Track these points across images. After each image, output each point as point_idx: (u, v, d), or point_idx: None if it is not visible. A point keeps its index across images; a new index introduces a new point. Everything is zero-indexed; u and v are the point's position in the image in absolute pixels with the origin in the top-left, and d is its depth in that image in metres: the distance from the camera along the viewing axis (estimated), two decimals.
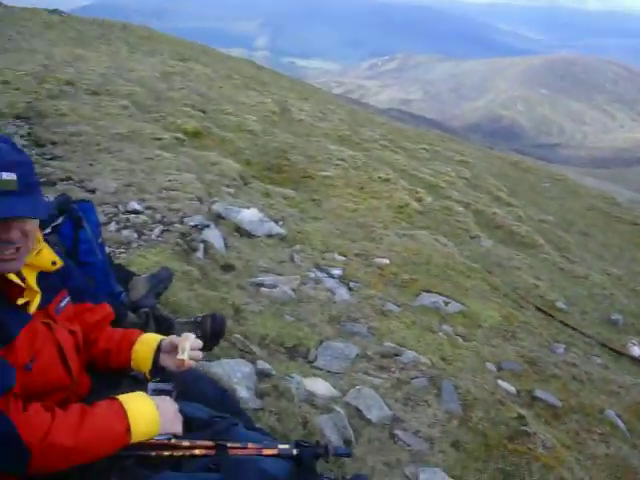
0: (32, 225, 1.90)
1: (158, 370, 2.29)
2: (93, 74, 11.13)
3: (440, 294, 5.59)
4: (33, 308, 2.04)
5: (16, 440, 1.75)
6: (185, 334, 2.28)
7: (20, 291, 1.97)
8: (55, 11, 18.84)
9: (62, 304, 2.20)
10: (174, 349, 2.23)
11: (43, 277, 2.09)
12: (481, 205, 9.98)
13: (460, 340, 4.79)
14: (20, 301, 1.98)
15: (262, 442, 2.19)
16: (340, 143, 10.63)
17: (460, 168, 13.00)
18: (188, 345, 2.22)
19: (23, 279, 2.00)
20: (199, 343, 2.27)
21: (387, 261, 6.02)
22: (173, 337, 2.29)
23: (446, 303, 5.45)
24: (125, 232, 4.70)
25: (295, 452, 2.14)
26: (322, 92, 20.41)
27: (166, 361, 2.26)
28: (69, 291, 2.28)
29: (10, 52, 11.75)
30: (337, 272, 5.41)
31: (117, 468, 1.98)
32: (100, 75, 11.18)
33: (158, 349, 2.29)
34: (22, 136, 7.04)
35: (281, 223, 6.17)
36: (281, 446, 2.16)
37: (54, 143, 6.89)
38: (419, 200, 8.57)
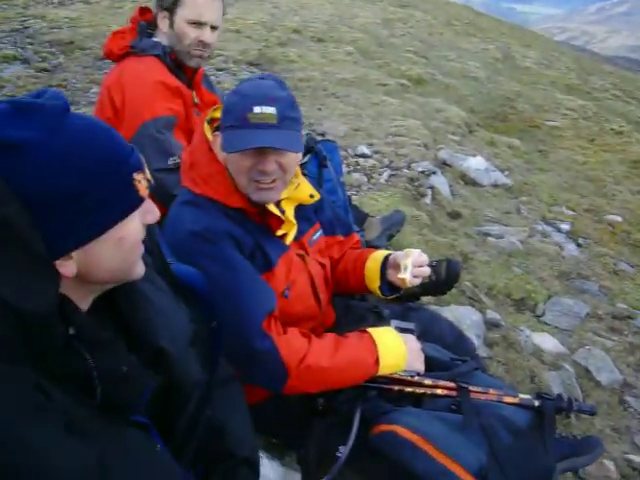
0: (289, 158, 1.97)
1: (387, 286, 2.31)
2: (317, 22, 11.33)
3: None
4: (290, 239, 2.15)
5: (277, 360, 1.87)
6: (407, 250, 2.24)
7: (279, 222, 2.07)
8: None
9: (315, 237, 2.30)
10: (397, 266, 2.22)
11: (299, 210, 2.19)
12: None
13: None
14: (279, 232, 2.09)
15: (503, 389, 2.15)
16: (568, 92, 10.00)
17: None
18: (410, 262, 2.16)
19: (283, 211, 2.11)
20: (424, 259, 2.22)
21: (619, 218, 5.62)
22: (398, 253, 2.28)
23: None
24: (355, 175, 4.81)
25: (537, 403, 2.09)
26: (544, 39, 19.23)
27: (392, 276, 2.27)
28: (321, 223, 2.36)
29: (240, 2, 12.26)
30: (565, 227, 5.15)
31: (361, 398, 2.05)
32: (324, 23, 11.36)
33: (385, 264, 2.30)
34: None
35: (507, 173, 5.97)
36: (522, 396, 2.12)
37: None
38: None
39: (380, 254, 2.36)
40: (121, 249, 1.17)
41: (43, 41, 8.06)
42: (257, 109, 1.87)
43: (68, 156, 1.06)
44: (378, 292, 2.34)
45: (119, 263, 1.19)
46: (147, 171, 1.20)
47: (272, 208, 2.05)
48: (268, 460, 2.22)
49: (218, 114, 2.06)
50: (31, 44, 7.94)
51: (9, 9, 9.86)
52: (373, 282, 2.33)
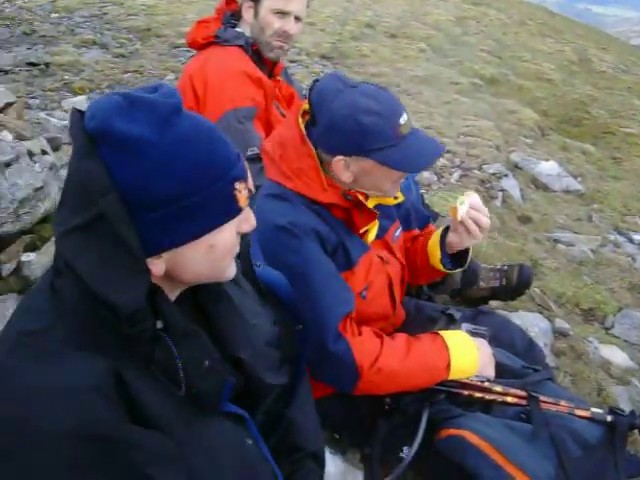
0: None
1: (447, 258, 2.28)
2: (390, 17, 11.27)
3: None
4: (371, 238, 2.12)
5: (350, 362, 1.86)
6: (468, 192, 2.19)
7: (366, 220, 2.05)
8: None
9: (397, 233, 2.28)
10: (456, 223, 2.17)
11: (378, 208, 2.16)
12: None
13: None
14: (361, 230, 2.07)
15: (574, 402, 2.10)
16: None
17: None
18: (467, 201, 2.10)
19: None
20: (483, 208, 2.14)
21: None
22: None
23: None
24: (425, 174, 4.77)
25: (609, 419, 2.02)
26: (621, 42, 18.68)
27: (451, 237, 2.23)
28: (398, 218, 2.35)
29: None
30: (638, 237, 5.00)
31: (429, 400, 2.03)
32: (397, 18, 11.29)
33: (444, 234, 2.27)
34: None
35: (579, 179, 5.82)
36: (594, 410, 2.05)
37: None
38: None
39: (441, 229, 2.33)
40: (211, 256, 1.17)
41: (121, 27, 8.28)
42: (401, 120, 1.87)
43: (172, 157, 1.06)
44: (440, 266, 2.30)
45: (207, 269, 1.20)
46: (250, 180, 1.19)
47: (373, 198, 2.04)
48: (331, 455, 2.23)
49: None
50: (109, 30, 8.17)
51: None
52: (435, 256, 2.29)
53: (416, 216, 2.50)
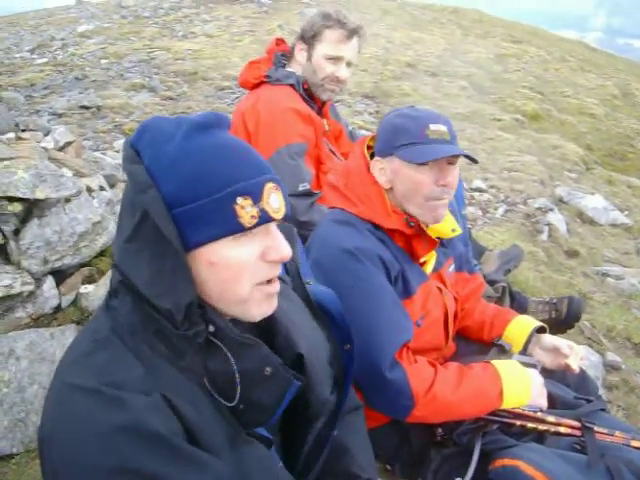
0: (456, 177, 2.00)
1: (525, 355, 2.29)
2: (431, 56, 11.38)
3: None
4: (429, 269, 2.16)
5: (407, 389, 1.86)
6: (574, 347, 2.28)
7: (426, 249, 2.08)
8: None
9: (450, 270, 2.30)
10: (553, 349, 2.25)
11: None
12: None
13: None
14: (422, 259, 2.11)
15: (630, 433, 2.08)
16: None
17: None
18: (579, 353, 2.24)
19: None
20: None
21: None
22: (555, 339, 2.30)
23: None
24: (470, 209, 4.80)
25: None
26: None
27: (540, 355, 2.28)
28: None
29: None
30: None
31: (482, 430, 2.03)
32: (437, 57, 11.40)
33: (531, 335, 2.29)
34: (370, 113, 7.52)
35: (626, 213, 5.78)
36: None
37: None
38: None
39: (527, 324, 2.35)
40: (216, 275, 1.12)
41: (168, 71, 8.52)
42: (433, 126, 1.92)
43: (178, 162, 1.10)
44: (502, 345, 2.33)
45: (217, 291, 1.14)
46: (272, 203, 1.13)
47: (431, 231, 2.06)
48: None
49: (372, 142, 2.12)
50: (157, 74, 8.41)
51: (137, 41, 10.47)
52: (514, 345, 2.31)
53: (466, 259, 2.53)
